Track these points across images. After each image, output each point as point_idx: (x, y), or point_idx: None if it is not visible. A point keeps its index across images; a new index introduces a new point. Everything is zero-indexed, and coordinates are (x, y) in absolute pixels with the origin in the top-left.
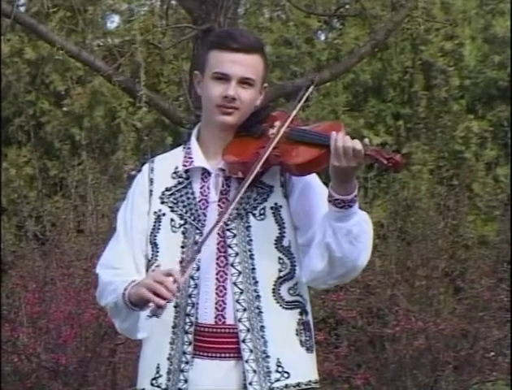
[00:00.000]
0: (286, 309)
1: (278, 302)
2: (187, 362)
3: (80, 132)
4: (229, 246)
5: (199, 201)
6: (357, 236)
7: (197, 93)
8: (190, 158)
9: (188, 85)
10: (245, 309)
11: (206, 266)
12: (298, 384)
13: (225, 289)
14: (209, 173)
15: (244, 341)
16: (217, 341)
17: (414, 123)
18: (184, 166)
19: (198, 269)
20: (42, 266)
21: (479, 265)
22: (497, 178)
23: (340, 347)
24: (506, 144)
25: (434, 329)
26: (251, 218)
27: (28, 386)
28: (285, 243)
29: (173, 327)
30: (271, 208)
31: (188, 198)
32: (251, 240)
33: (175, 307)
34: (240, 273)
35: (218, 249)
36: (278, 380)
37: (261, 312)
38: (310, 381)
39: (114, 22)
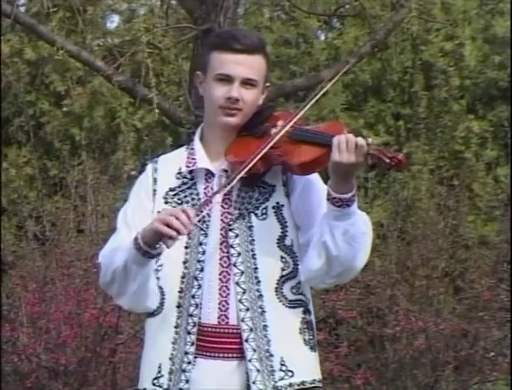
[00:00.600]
0: (289, 307)
1: (281, 301)
2: (189, 362)
3: (80, 132)
4: (231, 246)
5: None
6: (354, 235)
7: (197, 93)
8: (193, 158)
9: (188, 85)
10: (247, 309)
11: (209, 266)
12: (303, 383)
13: (228, 289)
14: (213, 174)
15: (247, 341)
16: (220, 341)
17: (414, 124)
18: (188, 167)
19: (202, 270)
20: (42, 266)
21: (479, 265)
22: (497, 178)
23: (340, 347)
24: (506, 144)
25: (434, 329)
26: (253, 217)
27: (28, 386)
28: (287, 242)
29: (175, 327)
30: (273, 207)
31: (193, 199)
32: (253, 240)
33: (177, 307)
34: (242, 273)
35: (221, 249)
36: (282, 379)
37: (264, 311)
38: (314, 380)
39: (114, 22)
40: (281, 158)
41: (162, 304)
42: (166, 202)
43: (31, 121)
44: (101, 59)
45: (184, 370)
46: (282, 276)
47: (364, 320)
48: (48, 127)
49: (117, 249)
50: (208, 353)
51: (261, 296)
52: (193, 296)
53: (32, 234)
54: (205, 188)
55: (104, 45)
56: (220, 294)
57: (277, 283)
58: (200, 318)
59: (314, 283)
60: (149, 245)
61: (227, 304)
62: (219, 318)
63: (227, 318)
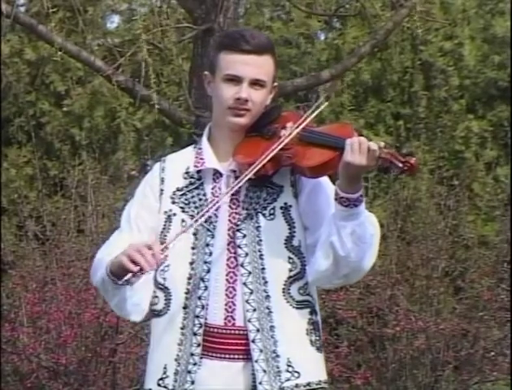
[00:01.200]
0: (296, 308)
1: (288, 302)
2: (194, 364)
3: (80, 132)
4: (239, 247)
5: (211, 203)
6: (361, 236)
7: (197, 93)
8: (202, 158)
9: (188, 85)
10: (254, 310)
11: (216, 267)
12: (309, 384)
13: (235, 290)
14: (220, 174)
15: (253, 341)
16: (226, 342)
17: (414, 123)
18: (196, 166)
19: (208, 271)
20: (42, 266)
21: (479, 265)
22: (497, 178)
23: (340, 347)
24: (506, 144)
25: (434, 329)
26: (261, 218)
27: (28, 386)
28: (295, 242)
29: (181, 329)
30: (281, 208)
31: (200, 199)
32: (261, 241)
33: (184, 308)
34: (250, 273)
35: (228, 249)
36: (288, 380)
37: (271, 312)
38: (320, 381)
39: (114, 22)
40: (291, 160)
41: (168, 305)
42: (173, 202)
43: (31, 121)
44: (102, 59)
45: (189, 371)
46: (290, 277)
47: (364, 320)
48: (48, 128)
49: (102, 261)
50: (214, 354)
51: (268, 296)
52: (200, 298)
53: (32, 234)
54: (212, 189)
55: (104, 45)
56: (227, 295)
57: (285, 284)
58: (206, 319)
59: (321, 283)
60: (116, 276)
61: (234, 305)
62: (225, 319)
63: (234, 319)
